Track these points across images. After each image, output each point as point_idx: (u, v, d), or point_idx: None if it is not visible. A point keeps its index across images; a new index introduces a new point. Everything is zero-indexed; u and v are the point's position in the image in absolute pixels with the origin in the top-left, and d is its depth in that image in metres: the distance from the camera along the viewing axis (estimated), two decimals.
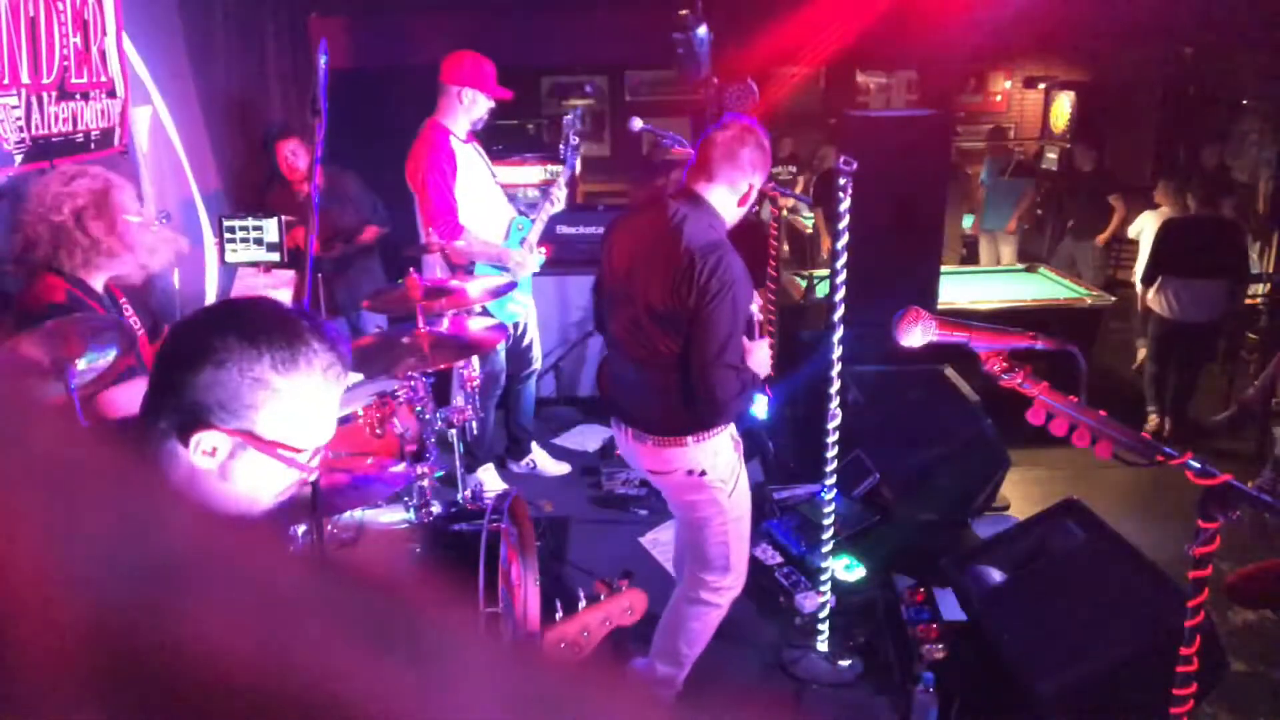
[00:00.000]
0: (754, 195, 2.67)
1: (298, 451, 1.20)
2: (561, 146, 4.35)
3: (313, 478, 1.27)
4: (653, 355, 2.61)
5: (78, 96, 3.15)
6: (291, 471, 1.21)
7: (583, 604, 1.91)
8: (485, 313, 4.00)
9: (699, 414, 2.59)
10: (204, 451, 1.14)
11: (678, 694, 3.01)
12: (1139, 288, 5.88)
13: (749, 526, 2.90)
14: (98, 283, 2.49)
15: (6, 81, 2.79)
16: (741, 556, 2.86)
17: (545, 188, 4.60)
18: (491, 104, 4.12)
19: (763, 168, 2.63)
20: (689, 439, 2.64)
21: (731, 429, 2.77)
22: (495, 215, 4.23)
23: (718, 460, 2.70)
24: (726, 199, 2.61)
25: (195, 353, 1.14)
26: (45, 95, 2.96)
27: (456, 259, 4.12)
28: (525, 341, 4.52)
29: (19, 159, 2.85)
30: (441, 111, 4.08)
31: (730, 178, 2.58)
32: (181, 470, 1.16)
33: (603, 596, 1.94)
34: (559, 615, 1.89)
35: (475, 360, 4.17)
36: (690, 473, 2.69)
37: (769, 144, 2.67)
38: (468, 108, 4.05)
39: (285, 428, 1.18)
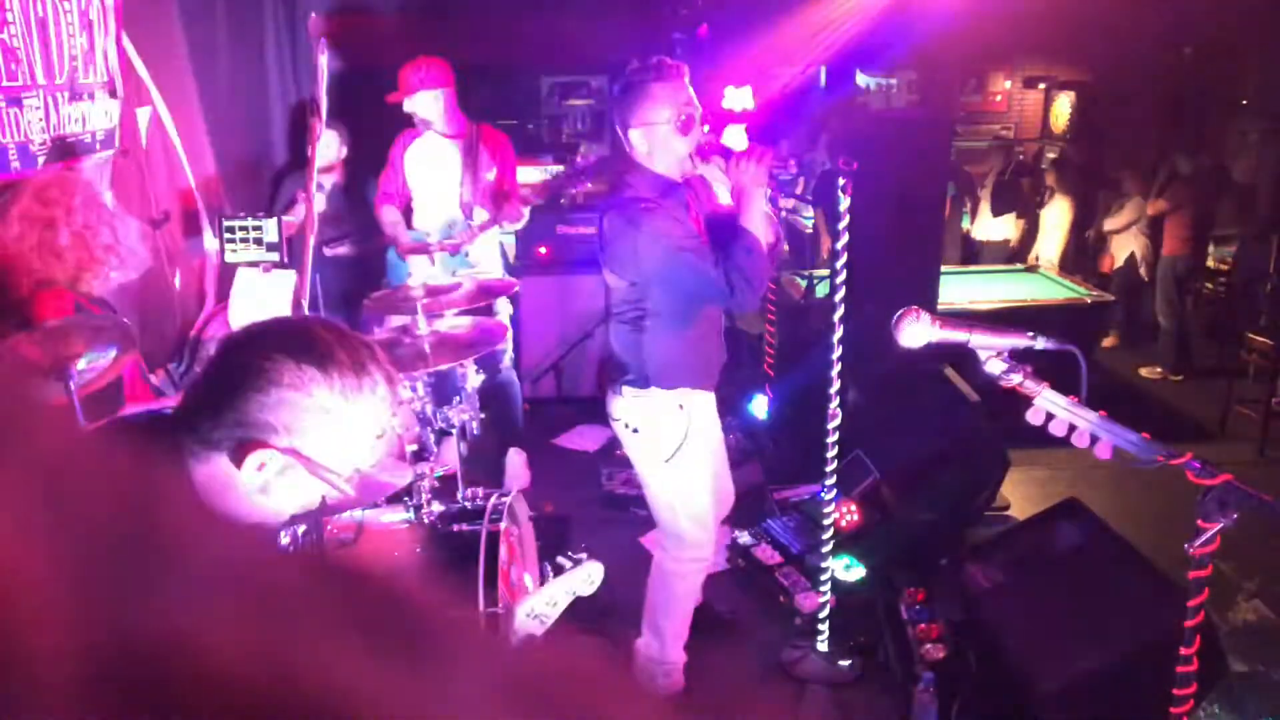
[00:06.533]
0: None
1: (339, 474, 1.22)
2: (569, 175, 4.50)
3: (348, 497, 1.30)
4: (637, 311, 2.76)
5: (85, 97, 3.16)
6: (328, 490, 1.23)
7: (550, 576, 2.05)
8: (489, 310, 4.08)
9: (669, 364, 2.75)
10: (256, 467, 1.16)
11: (671, 678, 3.05)
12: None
13: (705, 501, 2.89)
14: (94, 291, 2.48)
15: (29, 82, 2.81)
16: (695, 528, 2.88)
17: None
18: (411, 108, 4.28)
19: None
20: (625, 390, 2.79)
21: (691, 396, 2.79)
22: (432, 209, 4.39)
23: (654, 422, 2.78)
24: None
25: (263, 374, 1.16)
26: (59, 96, 2.99)
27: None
28: None
29: (42, 160, 2.87)
30: None
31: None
32: (216, 478, 1.17)
33: (567, 568, 2.12)
34: (530, 588, 2.01)
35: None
36: (626, 425, 2.83)
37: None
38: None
39: (330, 449, 1.20)
